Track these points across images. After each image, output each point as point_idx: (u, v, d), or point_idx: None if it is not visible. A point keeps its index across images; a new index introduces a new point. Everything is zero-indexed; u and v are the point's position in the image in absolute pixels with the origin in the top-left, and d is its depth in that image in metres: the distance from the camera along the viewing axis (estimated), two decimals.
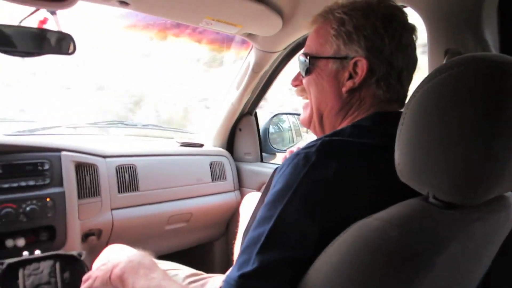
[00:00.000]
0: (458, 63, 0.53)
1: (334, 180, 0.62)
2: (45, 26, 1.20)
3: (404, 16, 0.76)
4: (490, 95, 0.50)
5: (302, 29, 1.50)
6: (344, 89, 0.76)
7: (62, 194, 1.37)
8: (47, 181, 1.36)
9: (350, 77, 0.75)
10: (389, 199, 0.59)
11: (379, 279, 0.55)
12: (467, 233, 0.59)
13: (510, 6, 1.04)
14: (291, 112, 2.32)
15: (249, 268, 0.59)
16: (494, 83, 0.51)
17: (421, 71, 0.90)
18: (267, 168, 1.97)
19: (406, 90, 0.78)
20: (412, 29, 0.77)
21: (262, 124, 2.09)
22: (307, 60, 0.81)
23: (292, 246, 0.60)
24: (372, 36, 0.72)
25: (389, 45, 0.72)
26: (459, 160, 0.52)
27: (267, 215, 0.63)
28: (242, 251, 0.63)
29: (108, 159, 1.55)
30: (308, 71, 0.81)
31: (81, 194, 1.43)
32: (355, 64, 0.74)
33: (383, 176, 0.62)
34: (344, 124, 0.78)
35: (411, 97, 0.57)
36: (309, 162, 0.63)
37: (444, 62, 1.05)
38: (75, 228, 1.40)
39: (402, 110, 0.69)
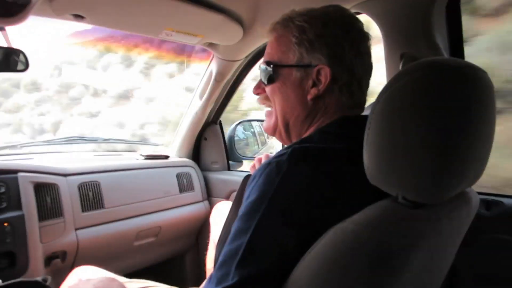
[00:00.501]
0: (414, 69, 0.57)
1: (307, 188, 0.63)
2: None
3: (360, 24, 0.79)
4: (445, 98, 0.54)
5: (263, 37, 1.52)
6: (309, 97, 0.77)
7: (21, 217, 1.30)
8: (4, 205, 1.28)
9: (314, 84, 0.76)
10: (361, 201, 0.61)
11: (358, 281, 0.57)
12: (436, 229, 0.62)
13: (456, 12, 1.12)
14: (255, 119, 2.33)
15: (229, 282, 0.58)
16: (448, 87, 0.54)
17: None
18: (235, 176, 1.97)
19: (365, 95, 0.81)
20: (367, 37, 0.80)
21: (227, 132, 2.09)
22: (270, 69, 0.81)
23: (271, 257, 0.60)
24: (333, 44, 0.74)
25: (349, 53, 0.74)
26: (422, 161, 0.54)
27: (244, 227, 0.62)
28: (220, 265, 0.62)
29: (69, 177, 1.48)
30: (271, 80, 0.81)
31: (42, 216, 1.36)
32: (318, 72, 0.75)
33: (354, 179, 0.64)
34: (310, 131, 0.79)
35: (375, 102, 0.60)
36: (282, 171, 0.63)
37: (400, 66, 1.11)
38: (37, 252, 1.33)
39: (364, 113, 0.72)
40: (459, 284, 1.09)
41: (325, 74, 0.75)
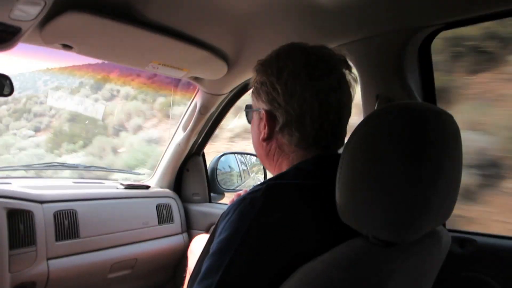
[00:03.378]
0: (387, 112, 0.60)
1: (281, 226, 0.63)
2: None
3: (296, 64, 0.76)
4: (414, 142, 0.57)
5: (247, 72, 1.57)
6: (260, 138, 0.82)
7: None
8: None
9: (264, 127, 0.81)
10: (332, 239, 0.62)
11: None
12: (407, 267, 0.63)
13: (427, 57, 1.18)
14: (239, 151, 2.35)
15: None
16: (417, 131, 0.57)
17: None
18: (215, 209, 1.96)
19: (322, 133, 0.77)
20: (306, 73, 0.76)
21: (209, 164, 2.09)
22: (246, 111, 0.91)
23: None
24: (270, 90, 0.78)
25: (283, 96, 0.76)
26: (392, 202, 0.57)
27: (214, 266, 0.61)
28: None
29: (45, 205, 1.45)
30: (248, 121, 0.91)
31: (13, 244, 1.32)
32: (264, 116, 0.80)
33: (326, 217, 0.65)
34: (278, 168, 0.82)
35: (348, 141, 0.63)
36: (255, 208, 0.64)
37: (375, 106, 1.16)
38: (4, 282, 1.27)
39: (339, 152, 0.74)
40: None
41: (266, 117, 0.80)
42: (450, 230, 0.77)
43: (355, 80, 0.82)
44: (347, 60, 0.82)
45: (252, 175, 2.38)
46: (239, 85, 1.71)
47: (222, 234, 0.64)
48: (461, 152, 0.64)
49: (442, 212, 0.64)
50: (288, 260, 0.61)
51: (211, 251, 0.65)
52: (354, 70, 0.85)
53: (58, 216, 1.47)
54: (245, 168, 2.37)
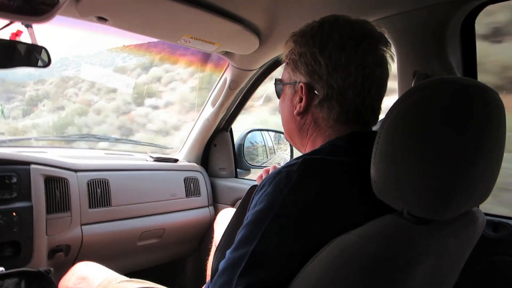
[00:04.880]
0: (427, 86, 0.58)
1: (316, 199, 0.63)
2: (19, 39, 1.19)
3: (342, 36, 0.75)
4: (455, 116, 0.55)
5: (278, 48, 1.55)
6: (295, 112, 0.81)
7: (30, 208, 1.33)
8: (14, 194, 1.31)
9: (300, 101, 0.79)
10: (366, 215, 0.61)
11: None
12: (439, 246, 0.62)
13: (471, 32, 1.12)
14: (266, 128, 2.35)
15: None
16: (459, 105, 0.55)
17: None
18: (241, 184, 1.98)
19: (364, 109, 0.76)
20: (352, 46, 0.74)
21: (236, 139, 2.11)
22: (276, 85, 0.88)
23: (275, 267, 0.60)
24: (311, 62, 0.76)
25: (326, 68, 0.74)
26: (431, 178, 0.55)
27: (249, 236, 0.62)
28: (222, 272, 0.62)
29: (79, 173, 1.52)
30: (278, 95, 0.88)
31: (50, 209, 1.39)
32: (301, 89, 0.78)
33: (361, 192, 0.64)
34: (314, 143, 0.81)
35: (385, 118, 0.61)
36: (291, 182, 0.64)
37: (412, 83, 1.12)
38: (42, 244, 1.35)
39: (374, 129, 0.73)
40: None
41: (304, 90, 0.78)
42: (484, 213, 0.75)
43: (392, 58, 0.80)
44: (386, 37, 0.79)
45: (278, 153, 2.38)
46: (270, 60, 1.69)
47: (258, 206, 0.65)
48: (505, 131, 0.61)
49: (480, 192, 0.62)
50: (320, 232, 0.61)
51: (245, 221, 0.66)
52: (392, 47, 0.82)
53: (92, 185, 1.54)
54: (271, 145, 2.38)
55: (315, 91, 0.76)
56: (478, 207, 0.74)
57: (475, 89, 0.57)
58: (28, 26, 1.17)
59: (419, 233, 0.58)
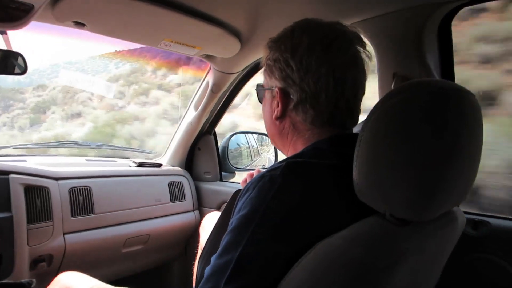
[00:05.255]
0: (406, 89, 0.60)
1: (300, 202, 0.63)
2: None
3: (312, 39, 0.75)
4: (434, 118, 0.56)
5: (260, 51, 1.55)
6: (273, 117, 0.81)
7: (10, 219, 1.29)
8: None
9: (278, 105, 0.80)
10: (349, 217, 0.62)
11: None
12: (421, 247, 0.63)
13: (447, 34, 1.15)
14: (250, 131, 2.35)
15: None
16: (436, 107, 0.57)
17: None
18: (226, 187, 1.98)
19: (337, 111, 0.76)
20: (321, 49, 0.75)
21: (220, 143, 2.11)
22: (258, 90, 0.90)
23: (261, 273, 0.60)
24: (284, 67, 0.77)
25: (298, 72, 0.75)
26: (412, 179, 0.57)
27: (234, 242, 0.62)
28: (207, 279, 0.62)
29: (60, 181, 1.49)
30: (260, 100, 0.90)
31: (31, 219, 1.36)
32: (278, 94, 0.79)
33: (344, 195, 0.65)
34: (293, 147, 0.81)
35: (366, 120, 0.62)
36: (275, 186, 0.64)
37: (392, 85, 1.14)
38: (23, 254, 1.32)
39: (355, 131, 0.74)
40: None
41: (280, 95, 0.78)
42: (464, 212, 0.77)
43: (369, 58, 0.80)
44: (362, 37, 0.80)
45: (262, 155, 2.39)
46: (252, 63, 1.70)
47: (242, 211, 0.65)
48: (481, 131, 0.63)
49: (459, 192, 0.64)
50: (306, 237, 0.62)
51: (230, 227, 0.65)
52: (369, 47, 0.82)
53: (73, 193, 1.51)
54: (255, 147, 2.38)
55: (291, 96, 0.77)
56: (458, 206, 0.76)
57: (451, 91, 0.58)
58: (2, 33, 1.14)
59: (401, 234, 0.59)
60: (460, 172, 0.59)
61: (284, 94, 0.78)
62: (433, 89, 0.58)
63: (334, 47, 0.74)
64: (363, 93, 0.81)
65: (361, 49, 0.78)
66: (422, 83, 0.60)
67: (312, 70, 0.73)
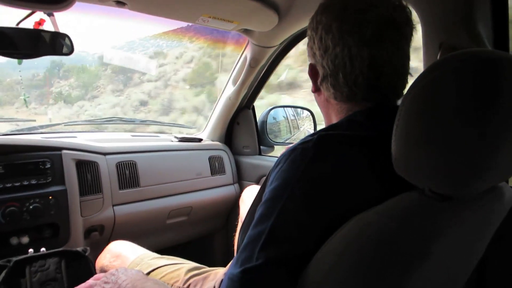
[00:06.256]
0: (451, 60, 0.55)
1: (332, 175, 0.63)
2: (42, 28, 1.21)
3: (328, 17, 0.74)
4: (482, 92, 0.52)
5: (298, 23, 1.51)
6: (311, 89, 0.84)
7: (64, 191, 1.39)
8: (49, 179, 1.38)
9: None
10: (385, 191, 0.61)
11: (379, 269, 0.58)
12: (462, 224, 0.61)
13: (502, 2, 1.05)
14: (288, 105, 2.33)
15: (252, 264, 0.60)
16: (486, 80, 0.52)
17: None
18: (265, 161, 1.99)
19: (357, 90, 0.74)
20: (336, 27, 0.73)
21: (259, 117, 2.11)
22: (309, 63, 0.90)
23: (293, 242, 0.62)
24: (312, 44, 0.80)
25: (319, 51, 0.76)
26: (453, 154, 0.53)
27: (267, 213, 0.64)
28: (243, 248, 0.64)
29: (108, 156, 1.57)
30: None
31: (83, 191, 1.46)
32: (309, 69, 0.82)
33: (379, 169, 0.63)
34: (329, 119, 0.82)
35: (407, 92, 0.59)
36: (307, 158, 0.64)
37: (438, 55, 1.07)
38: (77, 224, 1.43)
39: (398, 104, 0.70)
40: (490, 277, 1.06)
41: (312, 70, 0.82)
42: None
43: (410, 27, 0.74)
44: (404, 3, 0.74)
45: (301, 128, 2.37)
46: (290, 36, 1.65)
47: (274, 183, 0.66)
48: None
49: (505, 168, 0.60)
50: (337, 209, 0.62)
51: (263, 199, 0.67)
52: (414, 17, 0.77)
53: (120, 167, 1.59)
54: (294, 121, 2.36)
55: (318, 72, 0.79)
56: (507, 182, 0.71)
57: (505, 62, 0.53)
58: (50, 14, 1.19)
59: (440, 210, 0.57)
60: (506, 147, 0.55)
61: (313, 70, 0.81)
62: (485, 59, 0.53)
63: (348, 24, 0.71)
64: (401, 67, 0.75)
65: (395, 19, 0.72)
66: (472, 53, 0.55)
67: (329, 49, 0.74)
